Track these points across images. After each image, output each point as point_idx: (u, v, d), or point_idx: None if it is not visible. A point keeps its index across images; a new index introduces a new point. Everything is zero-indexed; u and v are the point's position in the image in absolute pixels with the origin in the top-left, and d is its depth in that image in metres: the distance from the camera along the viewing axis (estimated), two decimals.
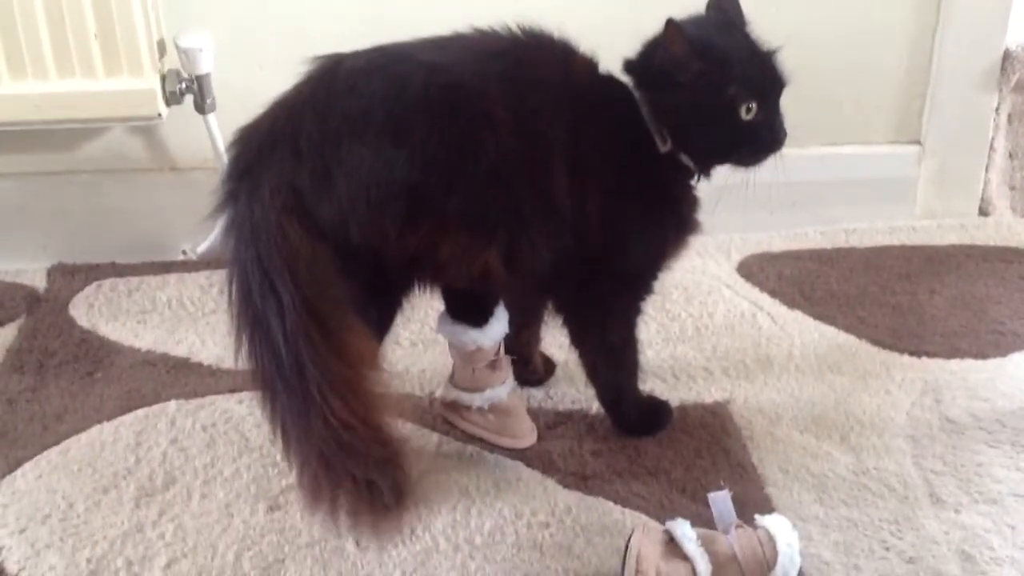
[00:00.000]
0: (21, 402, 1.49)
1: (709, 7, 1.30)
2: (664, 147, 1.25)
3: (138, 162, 1.82)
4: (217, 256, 1.81)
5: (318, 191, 1.12)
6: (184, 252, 1.85)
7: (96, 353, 1.60)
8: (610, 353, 1.36)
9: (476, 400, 1.30)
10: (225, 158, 1.72)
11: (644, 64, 1.25)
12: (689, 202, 1.31)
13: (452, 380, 1.32)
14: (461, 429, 1.33)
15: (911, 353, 1.58)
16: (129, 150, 1.80)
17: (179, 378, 1.54)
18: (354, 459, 1.10)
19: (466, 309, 1.27)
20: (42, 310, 1.71)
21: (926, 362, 1.56)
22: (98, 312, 1.70)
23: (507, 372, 1.31)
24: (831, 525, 1.25)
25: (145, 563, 1.21)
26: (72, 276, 1.79)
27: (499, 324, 1.28)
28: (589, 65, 1.25)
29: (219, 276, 1.73)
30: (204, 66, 1.67)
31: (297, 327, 1.09)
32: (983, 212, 1.97)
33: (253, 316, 1.13)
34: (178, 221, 1.84)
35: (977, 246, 1.87)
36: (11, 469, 1.37)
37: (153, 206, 1.83)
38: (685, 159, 1.27)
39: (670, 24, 1.19)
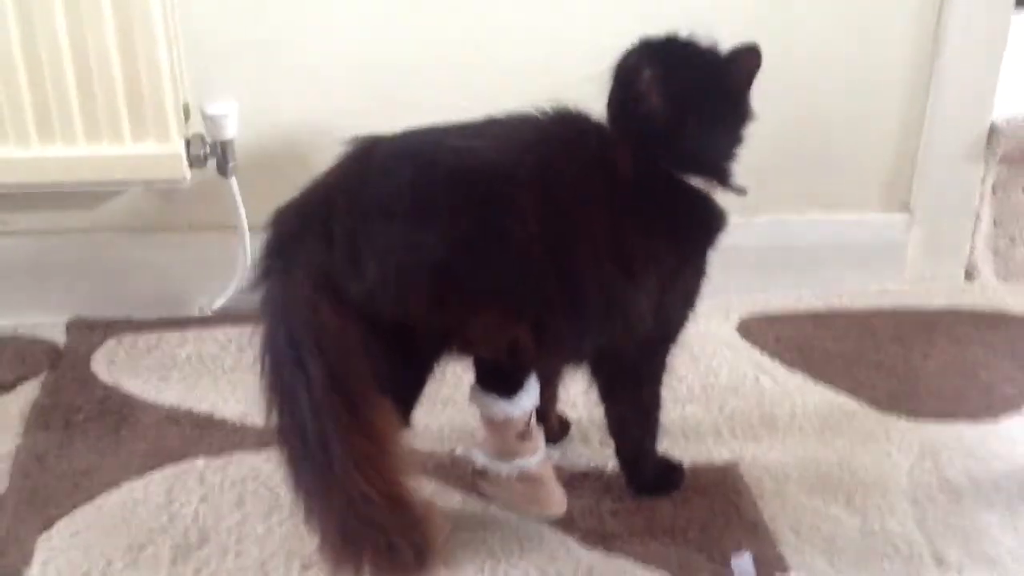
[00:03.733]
0: (50, 459, 1.53)
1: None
2: (724, 187, 1.32)
3: (155, 220, 1.86)
4: (233, 313, 1.87)
5: (348, 271, 1.18)
6: (200, 308, 1.89)
7: (120, 409, 1.64)
8: (640, 410, 1.42)
9: (505, 469, 1.35)
10: (245, 220, 1.79)
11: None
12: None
13: (483, 447, 1.37)
14: (491, 496, 1.38)
15: (908, 415, 1.65)
16: (146, 209, 1.85)
17: (204, 435, 1.58)
18: (373, 529, 1.15)
19: (496, 380, 1.33)
20: (63, 365, 1.74)
21: (922, 424, 1.63)
22: (120, 368, 1.74)
23: (538, 441, 1.36)
24: None
25: None
26: (90, 331, 1.83)
27: (529, 395, 1.33)
28: (625, 153, 1.28)
29: (236, 333, 1.82)
30: (228, 132, 1.72)
31: (323, 403, 1.15)
32: (968, 276, 2.06)
33: (282, 390, 1.18)
34: (193, 278, 1.89)
35: (964, 310, 1.96)
36: (46, 527, 1.40)
37: (169, 263, 1.88)
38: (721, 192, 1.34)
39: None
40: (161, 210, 1.85)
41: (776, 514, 1.44)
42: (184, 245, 1.87)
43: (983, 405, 1.68)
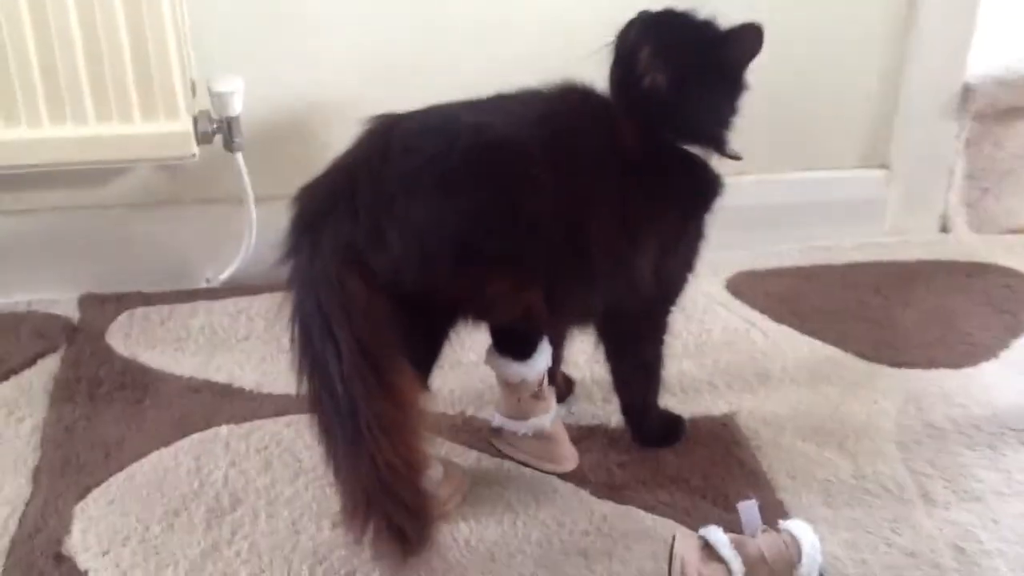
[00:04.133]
0: (78, 430, 1.59)
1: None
2: (721, 154, 1.39)
3: (162, 195, 1.92)
4: (239, 284, 1.93)
5: (374, 245, 1.24)
6: (207, 280, 1.95)
7: (141, 381, 1.70)
8: (645, 368, 1.50)
9: (521, 428, 1.44)
10: (251, 193, 1.85)
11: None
12: None
13: (499, 408, 1.45)
14: (507, 455, 1.47)
15: (892, 364, 1.74)
16: (155, 185, 1.90)
17: (225, 404, 1.64)
18: (391, 500, 1.23)
19: (511, 343, 1.40)
20: (80, 340, 1.80)
21: (906, 372, 1.73)
22: (135, 341, 1.79)
23: (551, 401, 1.44)
24: (839, 525, 1.40)
25: None
26: (103, 305, 1.88)
27: (543, 357, 1.41)
28: (629, 125, 1.35)
29: (245, 303, 1.88)
30: (234, 108, 1.77)
31: (352, 370, 1.22)
32: (943, 229, 2.15)
33: (313, 358, 1.25)
34: (199, 250, 1.95)
35: (942, 261, 2.05)
36: (82, 495, 1.46)
37: (175, 236, 1.94)
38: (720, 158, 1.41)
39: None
40: (167, 185, 1.91)
41: (773, 462, 1.53)
42: (189, 219, 1.93)
43: (962, 352, 1.78)
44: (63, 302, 1.90)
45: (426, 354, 1.37)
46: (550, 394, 1.45)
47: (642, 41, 1.38)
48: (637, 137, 1.35)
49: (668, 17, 1.40)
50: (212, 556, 1.36)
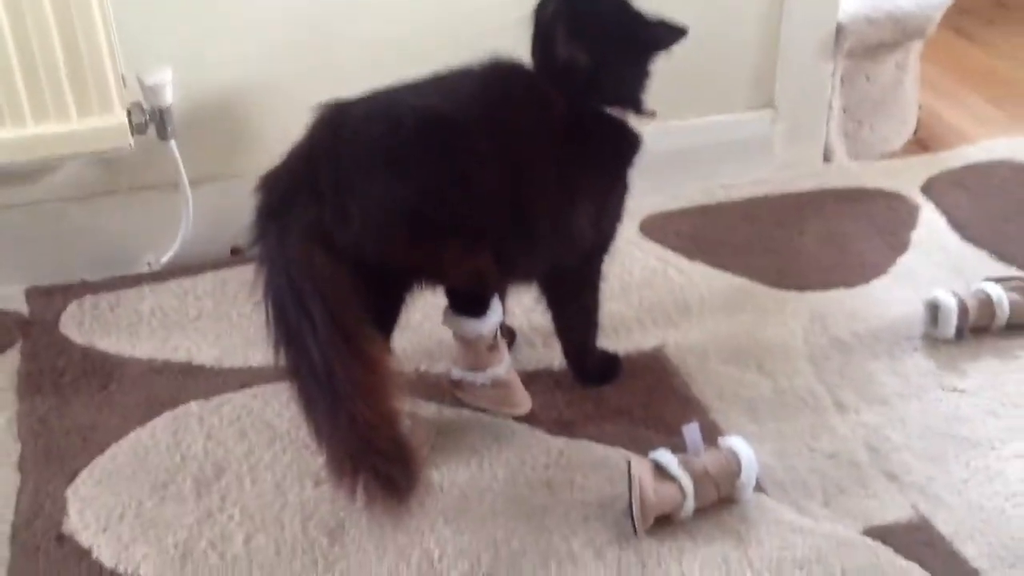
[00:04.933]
0: (51, 420, 1.66)
1: None
2: (638, 113, 1.54)
3: (97, 187, 1.97)
4: (180, 265, 2.01)
5: (338, 223, 1.35)
6: (149, 264, 2.02)
7: (103, 367, 1.77)
8: (585, 314, 1.65)
9: (480, 378, 1.58)
10: (185, 178, 1.93)
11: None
12: None
13: (457, 363, 1.59)
14: (468, 403, 1.61)
15: (795, 288, 1.93)
16: (88, 177, 1.96)
17: (189, 381, 1.74)
18: (376, 454, 1.34)
19: (466, 303, 1.53)
20: (35, 333, 1.85)
21: (808, 295, 1.91)
22: (89, 329, 1.86)
23: (504, 351, 1.58)
24: (766, 438, 1.58)
25: (226, 542, 1.44)
26: (50, 297, 1.94)
27: (495, 313, 1.54)
28: (555, 95, 1.49)
29: (190, 283, 1.96)
30: (166, 98, 1.85)
31: (327, 340, 1.33)
32: (826, 159, 2.34)
33: (288, 331, 1.36)
34: (138, 236, 2.02)
35: (828, 189, 2.24)
36: (70, 479, 1.55)
37: (113, 225, 2.00)
38: (637, 120, 1.55)
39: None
40: (101, 176, 1.97)
41: (702, 387, 1.70)
42: (125, 207, 2.00)
43: (856, 272, 1.97)
44: (9, 297, 1.94)
45: (387, 319, 1.51)
46: (502, 345, 1.59)
47: (559, 18, 1.51)
48: (563, 106, 1.49)
49: None
50: (207, 522, 1.47)
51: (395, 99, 1.43)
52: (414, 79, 1.47)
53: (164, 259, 2.02)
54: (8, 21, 1.71)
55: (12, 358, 1.80)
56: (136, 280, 1.99)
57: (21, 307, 1.93)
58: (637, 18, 1.53)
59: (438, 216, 1.39)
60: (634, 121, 1.57)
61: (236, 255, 2.05)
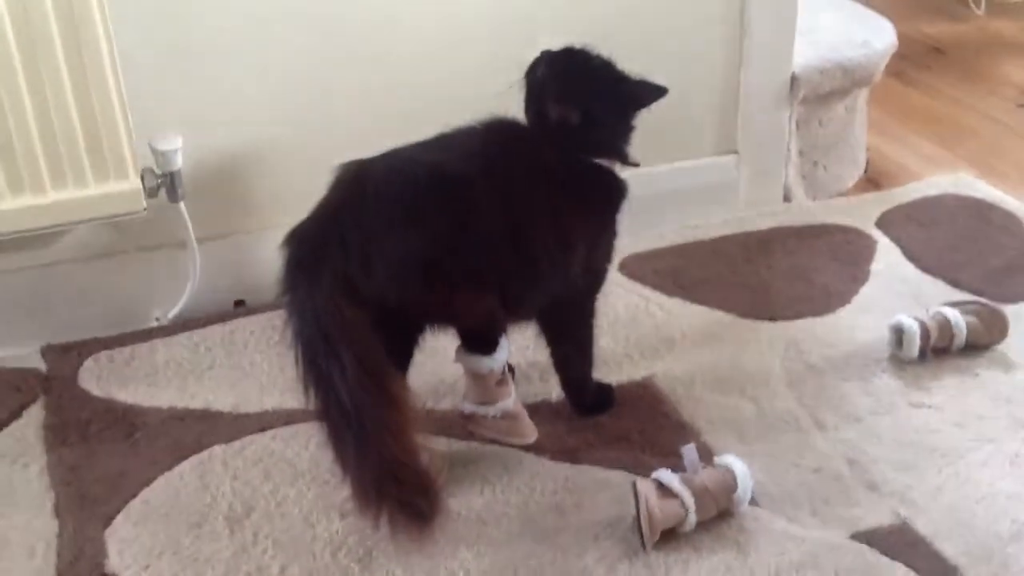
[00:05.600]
0: (82, 469, 1.75)
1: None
2: (624, 164, 1.68)
3: (108, 247, 2.08)
4: (187, 319, 2.11)
5: (363, 274, 1.48)
6: (157, 319, 2.13)
7: (125, 417, 1.86)
8: (581, 348, 1.77)
9: (490, 411, 1.70)
10: (193, 237, 2.04)
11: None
12: None
13: (468, 398, 1.71)
14: (478, 435, 1.73)
15: (768, 319, 2.07)
16: (97, 239, 2.06)
17: (210, 427, 1.83)
18: (401, 486, 1.46)
19: (477, 342, 1.66)
20: (56, 388, 1.94)
21: (781, 324, 2.06)
22: (107, 382, 1.95)
23: (511, 386, 1.71)
24: (755, 456, 1.70)
25: (263, 572, 1.54)
26: (66, 354, 2.03)
27: (503, 351, 1.67)
28: (549, 149, 1.64)
29: (199, 336, 2.06)
30: (176, 163, 1.96)
31: (356, 381, 1.44)
32: (786, 199, 2.50)
33: (317, 374, 1.47)
34: (147, 293, 2.12)
35: (790, 227, 2.40)
36: (106, 523, 1.63)
37: (123, 283, 2.10)
38: (623, 169, 1.70)
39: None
40: (112, 237, 2.07)
41: (692, 412, 1.83)
42: (134, 266, 2.10)
43: (822, 302, 2.12)
44: (27, 356, 2.03)
45: (404, 359, 1.63)
46: (510, 380, 1.72)
47: (549, 80, 1.66)
48: (556, 159, 1.63)
49: (570, 56, 1.68)
50: (242, 556, 1.57)
51: (409, 157, 1.57)
52: (423, 139, 1.60)
53: (172, 314, 2.12)
54: (28, 94, 1.81)
55: (36, 413, 1.89)
56: (147, 335, 2.08)
57: (39, 364, 2.01)
58: (622, 78, 1.68)
59: (451, 263, 1.52)
60: (620, 170, 1.71)
61: (239, 307, 2.16)
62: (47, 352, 2.05)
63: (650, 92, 1.68)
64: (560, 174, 1.63)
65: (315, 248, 1.50)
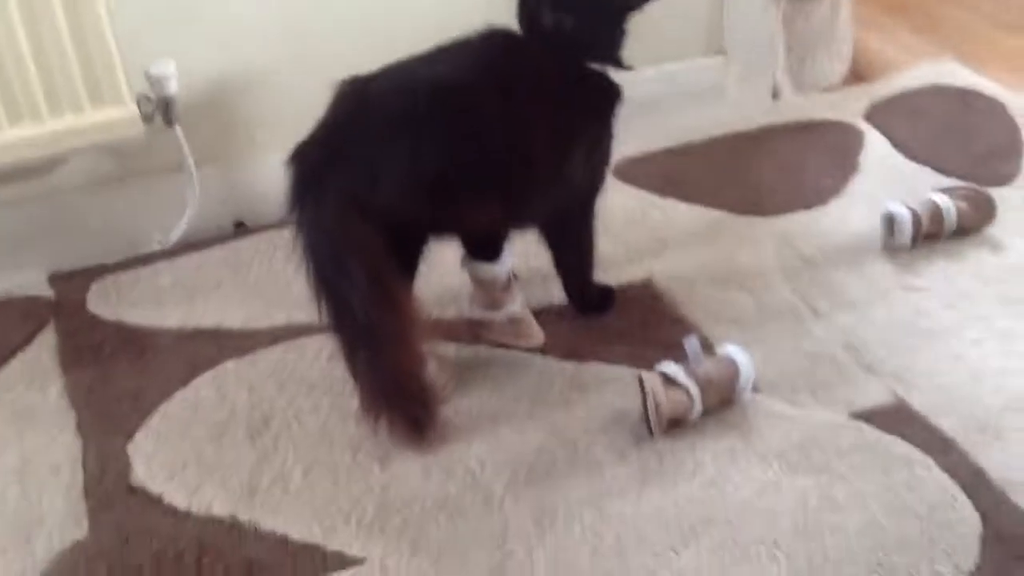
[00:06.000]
0: (98, 389, 1.79)
1: None
2: (619, 68, 1.70)
3: (106, 173, 2.10)
4: (188, 241, 2.14)
5: (368, 188, 1.51)
6: (159, 243, 2.15)
7: (136, 338, 1.90)
8: (583, 251, 1.82)
9: (498, 316, 1.75)
10: (191, 160, 2.06)
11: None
12: None
13: (475, 304, 1.75)
14: (486, 339, 1.77)
15: (762, 215, 2.11)
16: (97, 165, 2.08)
17: (222, 343, 1.87)
18: (405, 396, 1.54)
19: (482, 249, 1.70)
20: (65, 313, 1.98)
21: (775, 219, 2.10)
22: (115, 306, 1.98)
23: (516, 291, 1.75)
24: (754, 345, 1.74)
25: (286, 478, 1.59)
26: (72, 281, 2.06)
27: (508, 256, 1.71)
28: (546, 55, 1.66)
29: (201, 257, 2.09)
30: (171, 88, 1.98)
31: (366, 293, 1.49)
32: (775, 96, 2.53)
33: (329, 287, 1.51)
34: (147, 218, 2.15)
35: (779, 124, 2.43)
36: (128, 438, 1.68)
37: (123, 208, 2.13)
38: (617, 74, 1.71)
39: None
40: (110, 164, 2.09)
41: (691, 308, 1.88)
42: (133, 191, 2.12)
43: (813, 195, 2.17)
44: (34, 284, 2.06)
45: (410, 269, 1.67)
46: (515, 285, 1.76)
47: None
48: (553, 65, 1.66)
49: None
50: (265, 463, 1.62)
51: (409, 71, 1.59)
52: (421, 53, 1.62)
53: (173, 237, 2.15)
54: (22, 23, 1.82)
55: (48, 337, 1.93)
56: (149, 258, 2.11)
57: (46, 292, 2.05)
58: None
59: (455, 173, 1.55)
60: (614, 74, 1.73)
61: (240, 228, 2.19)
62: (54, 279, 2.08)
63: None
64: (556, 80, 1.66)
65: (320, 165, 1.53)
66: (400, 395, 1.54)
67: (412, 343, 1.54)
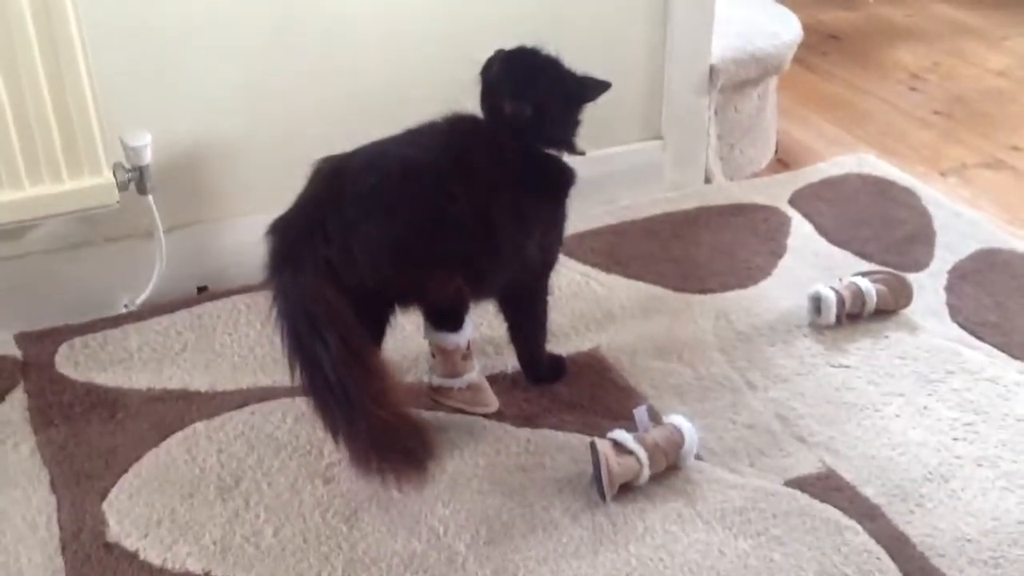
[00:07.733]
0: (70, 448, 1.85)
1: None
2: (572, 153, 1.84)
3: (78, 238, 2.17)
4: (155, 305, 2.22)
5: (343, 260, 1.62)
6: (126, 306, 2.23)
7: (107, 399, 1.96)
8: (536, 323, 1.94)
9: (456, 383, 1.86)
10: (160, 227, 2.15)
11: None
12: None
13: (436, 371, 1.86)
14: (447, 405, 1.88)
15: (699, 292, 2.26)
16: (69, 229, 2.16)
17: (190, 406, 1.95)
18: (396, 440, 1.62)
19: (445, 320, 1.81)
20: (34, 373, 2.03)
21: (711, 296, 2.25)
22: (85, 367, 2.05)
23: (474, 360, 1.87)
24: (695, 416, 1.88)
25: (258, 535, 1.67)
26: (40, 341, 2.11)
27: (469, 326, 1.82)
28: (506, 141, 1.79)
29: (168, 320, 2.17)
30: (146, 158, 2.07)
31: (340, 360, 1.59)
32: (707, 180, 2.70)
33: (304, 354, 1.61)
34: (116, 281, 2.22)
35: (712, 206, 2.59)
36: (102, 496, 1.75)
37: (93, 272, 2.20)
38: (570, 158, 1.86)
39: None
40: (82, 229, 2.16)
41: (637, 378, 2.01)
42: (103, 255, 2.20)
43: (746, 275, 2.32)
44: (1, 344, 2.12)
45: (378, 336, 1.78)
46: (473, 354, 1.88)
47: (503, 78, 1.81)
48: (513, 150, 1.80)
49: (521, 56, 1.84)
50: (236, 521, 1.70)
51: (382, 151, 1.71)
52: (393, 134, 1.74)
53: (140, 300, 2.23)
54: (6, 93, 1.90)
55: (19, 397, 1.98)
56: (117, 321, 2.18)
57: (14, 352, 2.11)
58: (569, 75, 1.85)
59: (423, 248, 1.68)
60: (568, 159, 1.88)
61: (202, 293, 2.28)
62: (21, 340, 2.13)
63: (595, 87, 1.85)
64: (516, 163, 1.79)
65: (298, 237, 1.64)
66: (388, 442, 1.61)
67: (386, 398, 1.62)
